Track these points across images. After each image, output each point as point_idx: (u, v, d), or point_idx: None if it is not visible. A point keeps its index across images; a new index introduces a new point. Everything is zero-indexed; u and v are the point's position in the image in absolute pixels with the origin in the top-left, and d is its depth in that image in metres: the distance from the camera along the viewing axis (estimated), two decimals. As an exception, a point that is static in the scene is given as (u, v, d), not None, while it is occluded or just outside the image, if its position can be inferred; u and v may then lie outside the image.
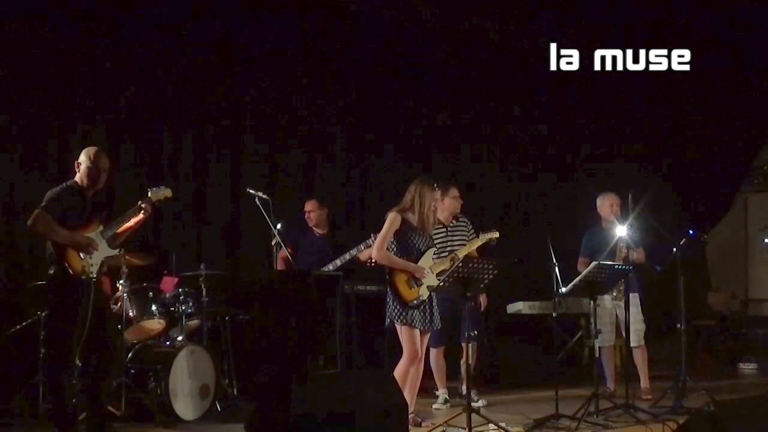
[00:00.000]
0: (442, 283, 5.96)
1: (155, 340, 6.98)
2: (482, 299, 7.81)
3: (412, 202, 6.26)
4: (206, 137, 8.62)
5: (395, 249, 6.23)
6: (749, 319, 11.82)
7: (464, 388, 7.21)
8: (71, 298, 5.45)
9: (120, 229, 5.69)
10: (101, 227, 5.61)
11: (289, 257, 7.55)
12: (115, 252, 5.72)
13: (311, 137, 9.37)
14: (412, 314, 6.13)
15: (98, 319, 5.54)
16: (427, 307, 6.21)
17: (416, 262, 6.22)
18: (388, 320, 6.21)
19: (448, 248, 7.22)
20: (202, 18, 8.21)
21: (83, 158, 5.65)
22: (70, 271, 5.43)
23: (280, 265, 7.58)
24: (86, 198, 5.63)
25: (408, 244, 6.23)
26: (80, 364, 6.55)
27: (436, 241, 7.24)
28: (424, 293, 6.16)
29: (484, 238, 6.95)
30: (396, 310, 6.14)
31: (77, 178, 5.65)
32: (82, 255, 5.47)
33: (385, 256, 6.20)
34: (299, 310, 7.02)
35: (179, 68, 8.44)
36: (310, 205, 7.96)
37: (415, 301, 6.14)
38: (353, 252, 7.53)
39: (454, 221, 7.56)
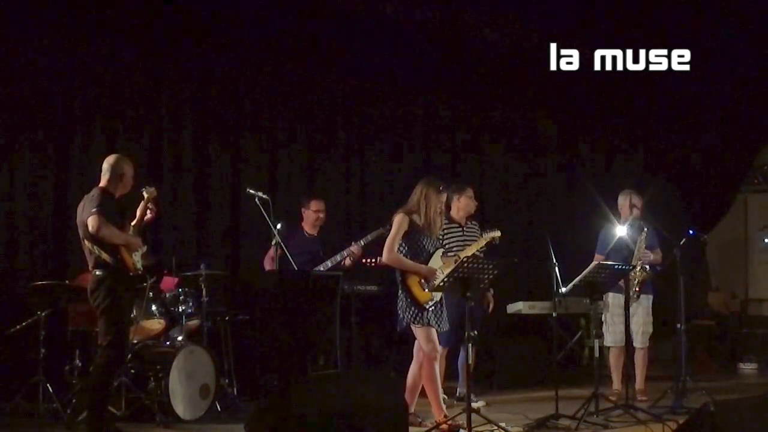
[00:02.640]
0: (442, 284, 5.96)
1: (155, 340, 6.98)
2: (490, 298, 7.80)
3: (419, 204, 6.25)
4: (206, 137, 8.61)
5: (405, 251, 6.22)
6: (749, 319, 11.81)
7: (461, 389, 7.24)
8: (124, 295, 5.81)
9: (141, 228, 6.01)
10: (131, 228, 5.91)
11: (283, 256, 7.43)
12: (145, 248, 6.03)
13: (311, 137, 9.36)
14: (428, 315, 6.13)
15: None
16: (439, 307, 6.22)
17: (426, 263, 6.21)
18: (404, 323, 6.20)
19: (465, 247, 7.23)
20: (202, 17, 8.20)
21: (112, 165, 5.90)
22: (126, 268, 5.76)
23: (269, 265, 7.52)
24: (115, 202, 5.89)
25: (417, 245, 6.22)
26: (80, 364, 6.59)
27: (452, 241, 7.27)
28: (436, 294, 6.17)
29: (487, 237, 6.94)
30: (412, 312, 6.13)
31: (104, 183, 5.87)
32: (131, 253, 5.81)
33: (396, 259, 6.18)
34: (299, 311, 7.01)
35: (179, 67, 8.43)
36: (320, 205, 7.79)
37: (429, 302, 6.14)
38: (337, 258, 7.47)
39: (468, 222, 7.56)
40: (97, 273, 5.75)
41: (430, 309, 6.13)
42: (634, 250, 7.56)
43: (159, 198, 6.21)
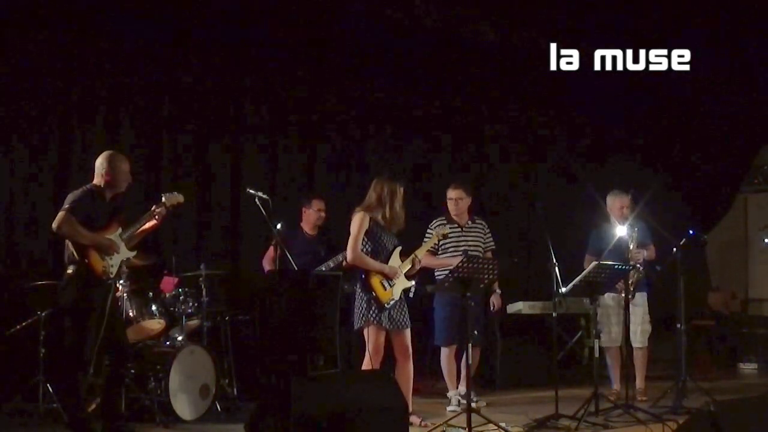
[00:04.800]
0: (444, 283, 5.96)
1: (155, 340, 6.98)
2: (496, 300, 7.76)
3: (379, 201, 6.22)
4: (206, 137, 8.61)
5: (367, 249, 6.20)
6: (749, 319, 11.80)
7: (462, 388, 7.24)
8: (92, 297, 5.60)
9: (137, 232, 5.88)
10: (120, 229, 5.77)
11: (283, 256, 7.43)
12: (133, 254, 5.88)
13: (311, 137, 9.36)
14: (383, 315, 6.12)
15: (113, 320, 5.75)
16: (398, 306, 6.20)
17: (386, 261, 6.21)
18: (361, 322, 6.17)
19: (462, 248, 7.23)
20: (202, 17, 8.20)
21: (104, 162, 5.77)
22: (92, 271, 5.56)
23: (268, 265, 7.52)
24: (106, 201, 5.76)
25: (378, 243, 6.21)
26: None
27: (451, 240, 7.25)
28: (396, 293, 6.15)
29: (439, 234, 6.86)
30: (372, 313, 6.11)
31: (97, 181, 5.77)
32: (103, 256, 5.61)
33: (359, 259, 6.15)
34: (299, 310, 7.01)
35: (179, 68, 8.43)
36: (321, 204, 7.81)
37: (391, 302, 6.12)
38: (339, 258, 7.48)
39: (470, 222, 7.54)
40: (68, 271, 5.65)
41: (390, 309, 6.11)
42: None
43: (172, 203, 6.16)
